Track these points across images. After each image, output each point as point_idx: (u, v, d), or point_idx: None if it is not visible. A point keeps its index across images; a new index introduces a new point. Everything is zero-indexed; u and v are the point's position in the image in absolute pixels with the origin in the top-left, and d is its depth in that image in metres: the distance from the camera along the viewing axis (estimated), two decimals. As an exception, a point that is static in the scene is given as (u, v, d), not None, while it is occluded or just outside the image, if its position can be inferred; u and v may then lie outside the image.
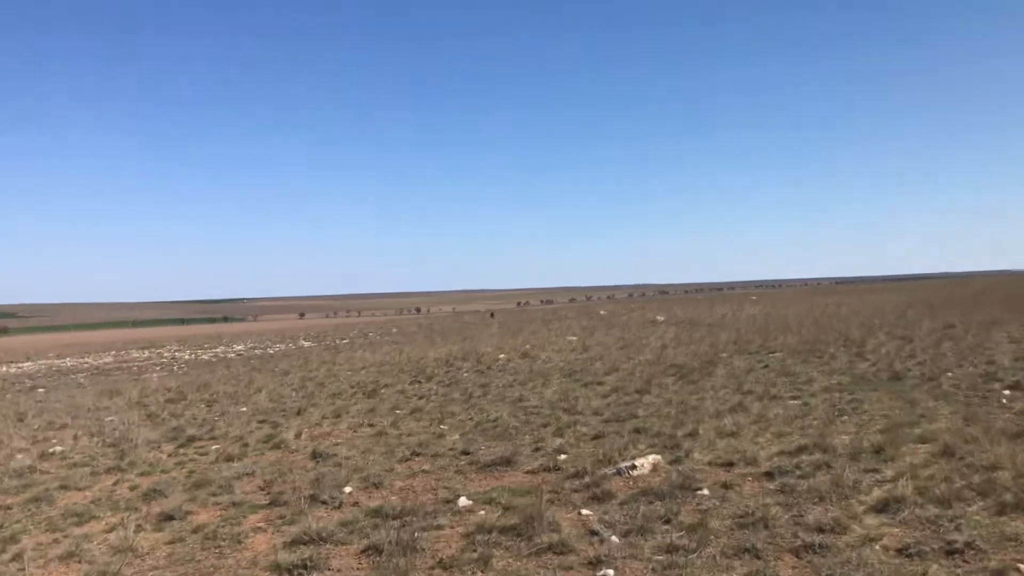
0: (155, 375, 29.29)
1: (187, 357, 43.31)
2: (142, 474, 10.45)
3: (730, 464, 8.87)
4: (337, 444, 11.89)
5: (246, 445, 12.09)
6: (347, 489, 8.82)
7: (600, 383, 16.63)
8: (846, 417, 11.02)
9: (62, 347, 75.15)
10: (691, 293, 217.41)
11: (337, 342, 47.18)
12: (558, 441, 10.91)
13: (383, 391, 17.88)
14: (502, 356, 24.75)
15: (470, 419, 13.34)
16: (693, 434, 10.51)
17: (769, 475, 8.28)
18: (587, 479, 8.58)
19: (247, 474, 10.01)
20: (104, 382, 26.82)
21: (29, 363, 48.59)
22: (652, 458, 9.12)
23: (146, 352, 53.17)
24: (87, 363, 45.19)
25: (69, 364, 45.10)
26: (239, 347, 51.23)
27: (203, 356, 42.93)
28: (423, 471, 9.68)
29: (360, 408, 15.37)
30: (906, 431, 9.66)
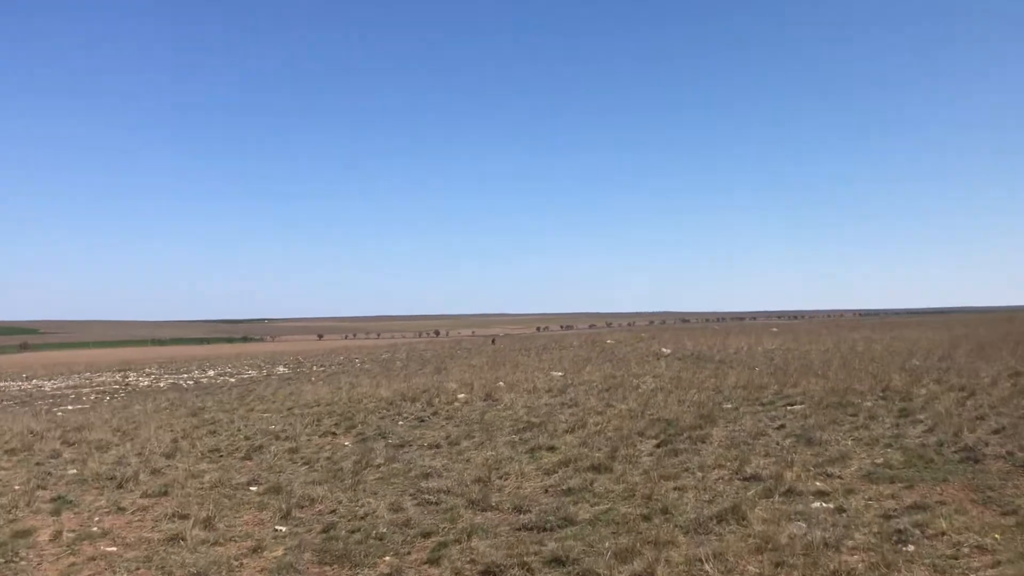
0: (68, 407, 25.20)
1: (144, 384, 39.30)
2: None
3: None
4: (93, 559, 7.56)
5: (-45, 555, 7.78)
6: None
7: (552, 447, 12.18)
8: (911, 548, 6.52)
9: (48, 367, 71.50)
10: (711, 322, 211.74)
11: (312, 369, 42.99)
12: (428, 574, 6.53)
13: (272, 448, 13.56)
14: (462, 396, 20.33)
15: (331, 511, 8.96)
16: (645, 578, 6.07)
17: None
18: None
19: None
20: (-6, 417, 22.72)
21: (-16, 385, 44.82)
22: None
23: (116, 375, 49.31)
24: (42, 387, 41.36)
25: (19, 388, 41.28)
26: (211, 372, 47.19)
27: (159, 383, 38.88)
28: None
29: (209, 479, 11.03)
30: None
